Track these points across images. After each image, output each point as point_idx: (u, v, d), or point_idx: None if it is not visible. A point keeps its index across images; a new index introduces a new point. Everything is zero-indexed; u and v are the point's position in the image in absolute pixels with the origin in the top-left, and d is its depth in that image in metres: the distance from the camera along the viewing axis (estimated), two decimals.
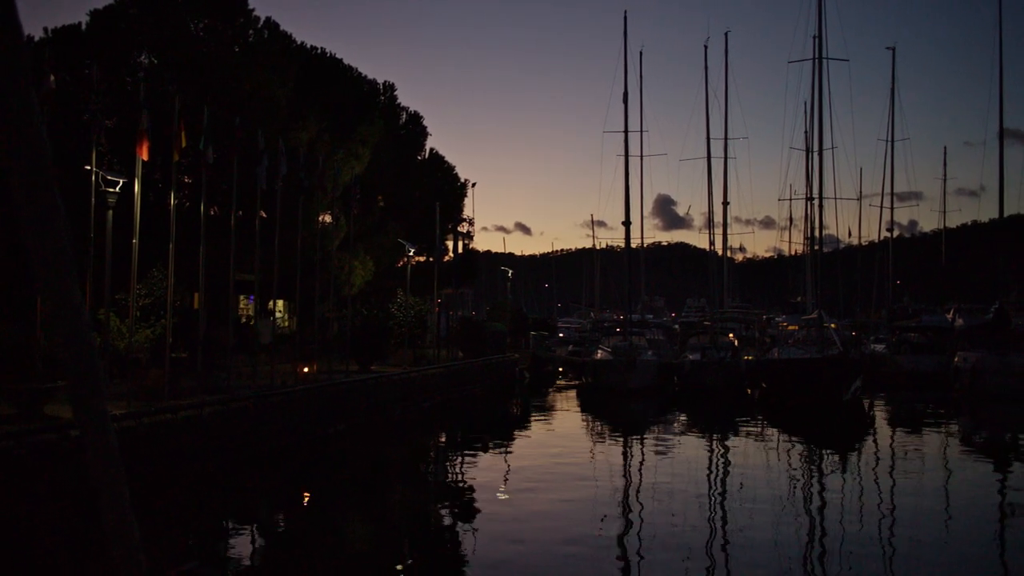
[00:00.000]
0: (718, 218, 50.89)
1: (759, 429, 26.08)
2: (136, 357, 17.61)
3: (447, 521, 13.90)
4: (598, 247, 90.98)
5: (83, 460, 1.04)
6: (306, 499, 15.96)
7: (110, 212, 15.86)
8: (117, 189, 15.99)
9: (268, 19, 31.78)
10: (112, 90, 24.02)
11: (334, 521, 13.83)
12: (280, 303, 33.89)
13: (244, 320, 30.01)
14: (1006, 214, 42.86)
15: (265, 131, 22.01)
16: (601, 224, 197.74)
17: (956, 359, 37.69)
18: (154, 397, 16.11)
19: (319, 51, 37.23)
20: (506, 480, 17.02)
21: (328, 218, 30.53)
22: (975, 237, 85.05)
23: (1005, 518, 14.01)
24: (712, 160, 47.81)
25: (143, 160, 16.66)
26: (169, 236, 17.63)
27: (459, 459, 20.80)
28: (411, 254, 34.53)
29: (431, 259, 39.90)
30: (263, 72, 28.08)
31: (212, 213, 25.13)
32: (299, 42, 35.44)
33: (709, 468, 19.12)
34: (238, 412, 17.87)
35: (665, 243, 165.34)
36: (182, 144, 17.99)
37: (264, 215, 24.46)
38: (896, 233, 62.48)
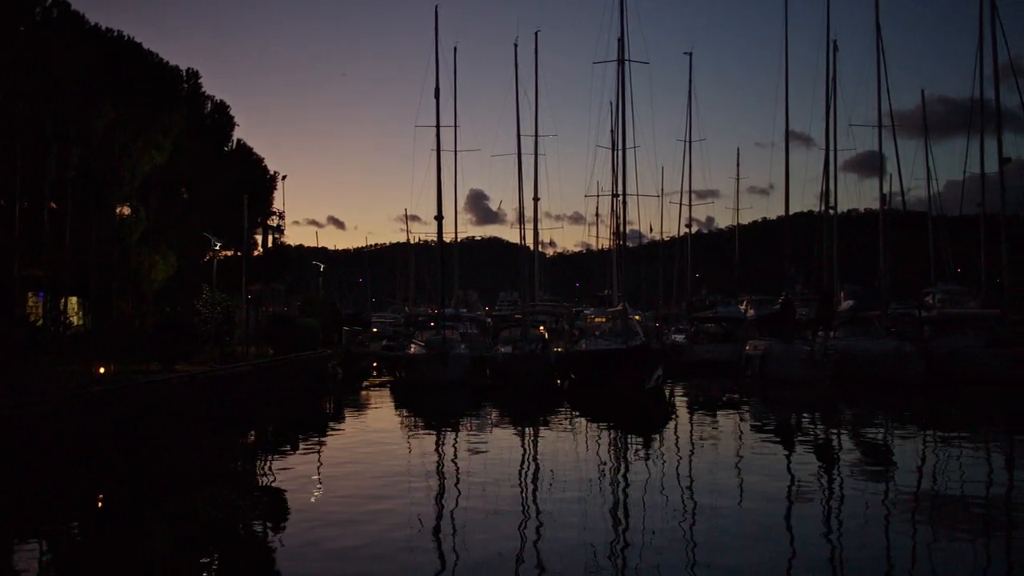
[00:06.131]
0: (529, 213, 52.27)
1: (568, 418, 26.94)
2: None
3: (256, 526, 13.54)
4: (412, 241, 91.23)
5: None
6: (102, 506, 15.13)
7: None
8: None
9: None
10: None
11: (133, 528, 13.19)
12: (73, 300, 31.86)
13: (33, 319, 28.03)
14: (791, 212, 46.36)
15: (54, 117, 20.66)
16: (415, 219, 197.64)
17: (747, 347, 40.54)
18: None
19: (116, 34, 35.23)
20: (319, 480, 16.78)
21: (127, 210, 28.98)
22: (765, 233, 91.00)
23: (790, 486, 15.37)
24: (523, 156, 49.01)
25: None
26: None
27: (269, 458, 20.30)
28: (217, 248, 33.37)
29: (239, 253, 38.67)
30: (51, 53, 26.23)
31: None
32: (93, 23, 33.45)
33: (521, 457, 19.59)
34: (28, 416, 16.68)
35: (479, 238, 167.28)
36: None
37: (54, 206, 22.98)
38: (695, 229, 66.07)
